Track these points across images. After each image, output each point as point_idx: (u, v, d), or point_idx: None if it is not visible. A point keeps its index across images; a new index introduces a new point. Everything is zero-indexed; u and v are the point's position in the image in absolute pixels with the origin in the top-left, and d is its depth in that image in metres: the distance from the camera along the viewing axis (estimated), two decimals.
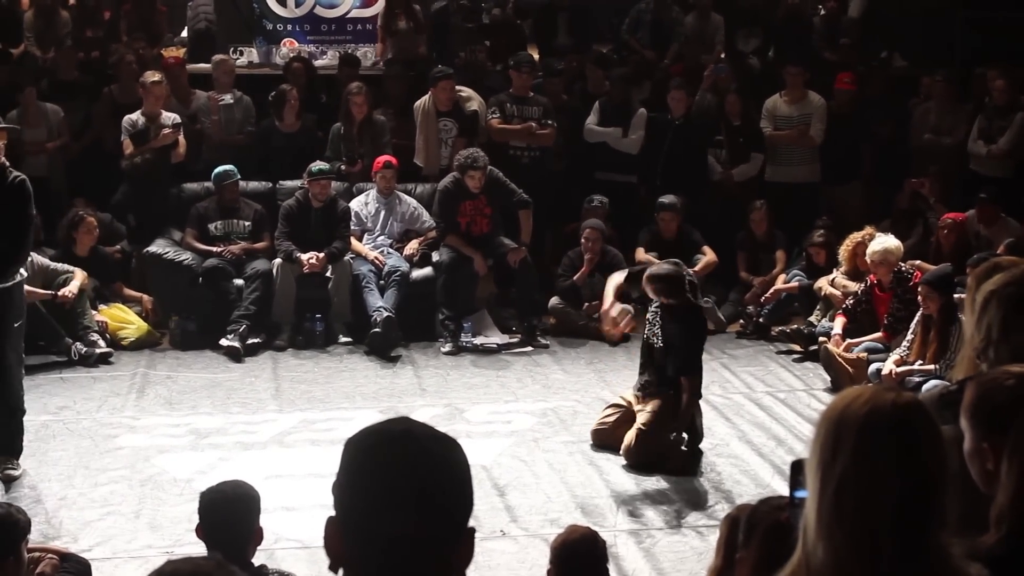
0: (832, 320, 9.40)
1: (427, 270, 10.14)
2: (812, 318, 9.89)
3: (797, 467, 2.39)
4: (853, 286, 9.48)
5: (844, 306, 9.33)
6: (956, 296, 8.12)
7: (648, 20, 13.05)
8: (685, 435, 7.49)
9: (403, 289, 9.88)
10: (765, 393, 8.86)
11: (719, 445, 7.76)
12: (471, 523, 1.94)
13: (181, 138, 10.43)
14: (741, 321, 10.46)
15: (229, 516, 4.38)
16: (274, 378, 9.10)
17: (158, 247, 10.02)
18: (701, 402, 7.62)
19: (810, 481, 2.19)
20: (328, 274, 9.95)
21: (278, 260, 9.94)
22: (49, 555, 4.71)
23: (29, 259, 9.32)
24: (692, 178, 11.11)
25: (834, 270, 9.91)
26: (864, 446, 2.13)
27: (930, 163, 11.44)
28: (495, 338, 9.97)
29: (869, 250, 9.13)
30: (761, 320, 10.26)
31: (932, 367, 8.00)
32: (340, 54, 12.17)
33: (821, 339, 9.27)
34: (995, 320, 3.13)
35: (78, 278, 9.43)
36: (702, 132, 11.38)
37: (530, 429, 8.05)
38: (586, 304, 10.26)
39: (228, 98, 11.14)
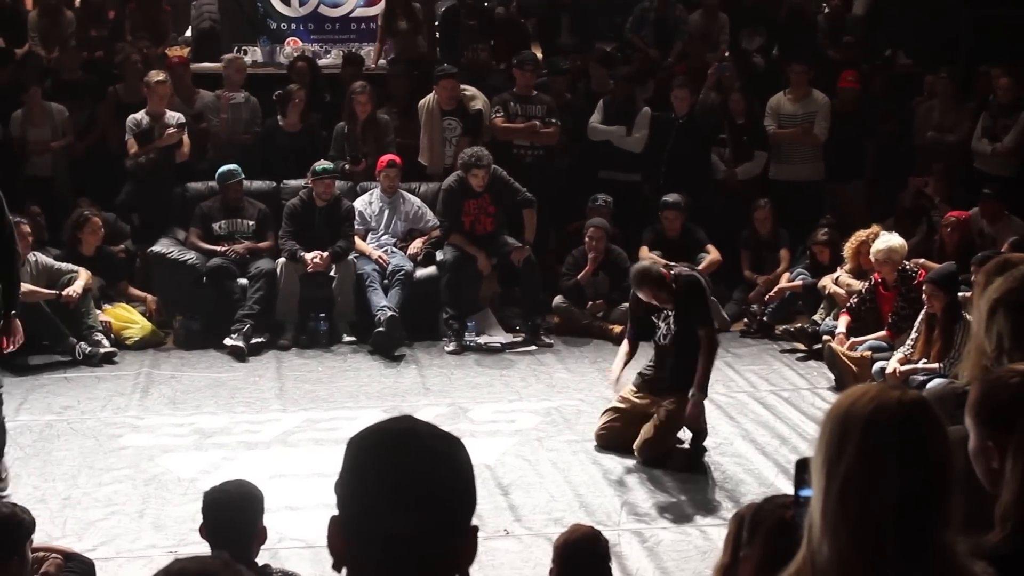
0: (836, 319, 9.39)
1: (431, 269, 10.14)
2: (816, 317, 9.89)
3: (802, 465, 2.38)
4: (857, 284, 9.47)
5: (848, 304, 9.32)
6: (960, 295, 8.12)
7: (652, 18, 13.06)
8: (688, 433, 7.49)
9: (407, 288, 9.88)
10: (769, 392, 8.86)
11: (723, 444, 7.76)
12: (474, 522, 1.94)
13: (185, 138, 10.44)
14: (745, 320, 10.45)
15: (233, 515, 4.38)
16: (278, 377, 9.10)
17: (162, 246, 10.02)
18: (705, 400, 7.61)
19: (815, 479, 2.19)
20: (332, 273, 9.96)
21: (282, 259, 9.95)
22: (53, 555, 4.71)
23: (34, 258, 9.39)
24: (696, 176, 11.11)
25: (838, 268, 9.91)
26: (869, 444, 2.13)
27: (933, 161, 11.44)
28: (499, 337, 9.96)
29: (873, 248, 9.12)
30: (765, 319, 10.25)
31: (936, 365, 7.99)
32: (344, 53, 12.16)
33: (825, 338, 9.26)
34: (1005, 329, 3.11)
35: (82, 278, 9.44)
36: (706, 130, 11.37)
37: (534, 428, 8.05)
38: (590, 303, 10.25)
39: (239, 96, 11.15)
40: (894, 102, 12.02)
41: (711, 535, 6.32)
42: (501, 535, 6.32)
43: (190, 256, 9.96)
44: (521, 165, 10.65)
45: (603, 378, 9.09)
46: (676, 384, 7.44)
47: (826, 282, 9.88)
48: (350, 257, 10.01)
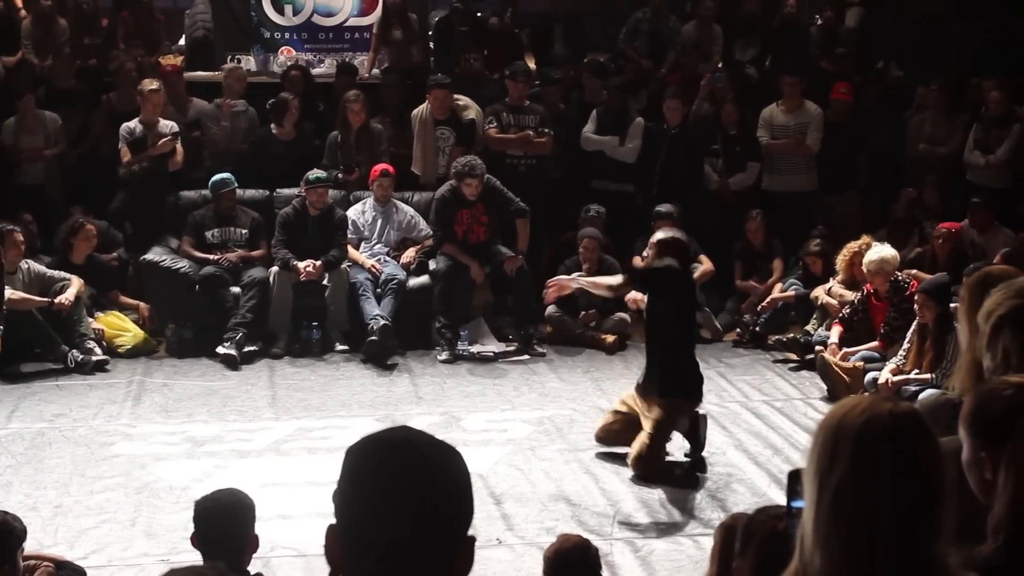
0: (828, 329, 9.41)
1: (424, 278, 10.15)
2: (809, 327, 9.90)
3: (794, 477, 2.39)
4: (850, 295, 9.49)
5: (841, 315, 9.34)
6: (952, 305, 8.13)
7: (645, 29, 13.08)
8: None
9: (400, 297, 9.88)
10: (761, 402, 8.87)
11: (715, 454, 7.76)
12: (469, 532, 1.94)
13: (178, 146, 10.44)
14: (738, 330, 10.47)
15: (224, 524, 4.38)
16: (270, 386, 9.09)
17: (155, 255, 10.02)
18: (702, 412, 7.62)
19: (807, 490, 2.20)
20: (325, 282, 9.96)
21: (275, 268, 9.95)
22: (45, 563, 4.71)
23: (26, 266, 9.39)
24: (688, 187, 11.13)
25: (831, 279, 9.93)
26: (861, 455, 2.13)
27: (926, 173, 11.47)
28: (492, 346, 9.97)
29: (866, 259, 9.14)
30: (758, 329, 10.27)
31: (928, 376, 8.01)
32: (338, 62, 12.17)
33: (818, 348, 9.27)
34: (1012, 346, 3.12)
35: (74, 285, 9.43)
36: (698, 141, 11.39)
37: (526, 437, 8.05)
38: (583, 313, 10.26)
39: (240, 105, 11.15)
40: (886, 114, 12.05)
41: (703, 544, 6.31)
42: (494, 544, 6.32)
43: (183, 264, 9.95)
44: (514, 175, 10.66)
45: (596, 387, 9.11)
46: (660, 386, 7.39)
47: (818, 293, 9.90)
48: (343, 266, 10.02)
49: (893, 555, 2.10)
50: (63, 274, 9.55)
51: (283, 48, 12.55)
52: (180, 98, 11.20)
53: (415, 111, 10.99)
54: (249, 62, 12.46)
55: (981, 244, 10.28)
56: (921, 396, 7.59)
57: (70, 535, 6.40)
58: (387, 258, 10.29)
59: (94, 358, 9.26)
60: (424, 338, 9.97)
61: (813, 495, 2.17)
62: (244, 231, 10.24)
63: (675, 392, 7.37)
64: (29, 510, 6.45)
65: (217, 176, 10.19)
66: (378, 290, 9.93)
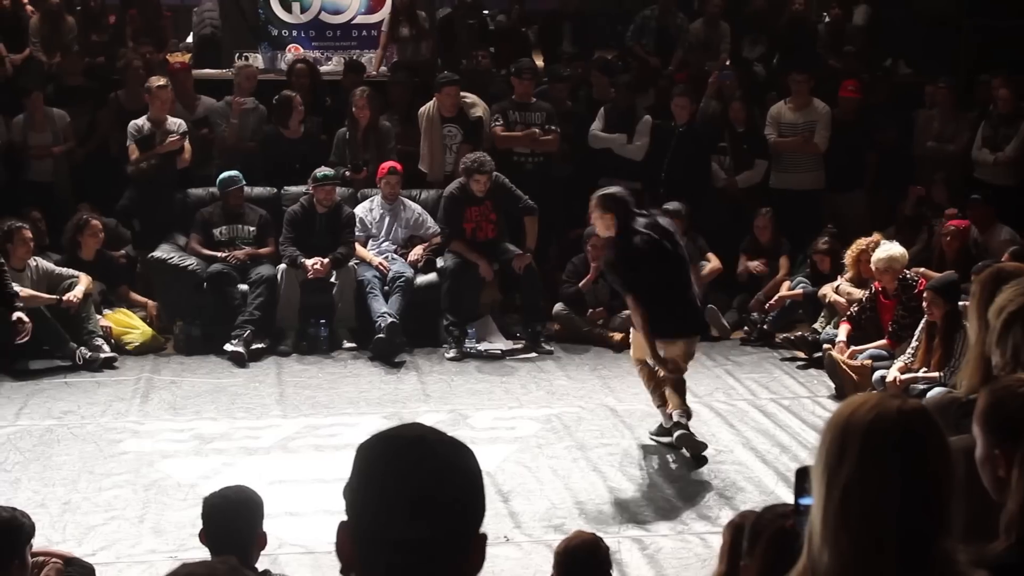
0: (836, 327, 9.40)
1: (431, 276, 10.15)
2: (816, 325, 9.90)
3: (802, 474, 2.39)
4: (858, 293, 9.48)
5: (848, 313, 9.33)
6: (961, 304, 8.12)
7: (653, 27, 13.08)
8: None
9: (407, 295, 9.89)
10: (769, 400, 8.86)
11: (723, 451, 7.76)
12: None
13: (187, 144, 10.45)
14: (745, 328, 10.46)
15: (232, 521, 4.38)
16: (278, 383, 9.10)
17: (163, 252, 10.03)
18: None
19: (816, 487, 2.19)
20: (332, 280, 9.96)
21: (283, 266, 9.95)
22: (53, 559, 4.71)
23: (35, 263, 9.41)
24: (696, 185, 11.12)
25: (839, 277, 9.92)
26: (869, 452, 2.13)
27: (934, 170, 11.45)
28: (499, 344, 9.97)
29: (874, 257, 9.13)
30: (765, 327, 10.26)
31: (936, 374, 8.00)
32: (345, 60, 12.17)
33: (825, 346, 9.26)
34: (1022, 343, 3.11)
35: (83, 283, 9.45)
36: (706, 139, 11.38)
37: (534, 435, 8.05)
38: (590, 310, 10.26)
39: (250, 102, 11.16)
40: (894, 112, 12.04)
41: (711, 543, 6.31)
42: (501, 542, 6.32)
43: (191, 262, 9.96)
44: (521, 173, 10.65)
45: (603, 385, 9.11)
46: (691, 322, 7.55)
47: (826, 291, 9.89)
48: (351, 264, 10.02)
49: (901, 552, 2.10)
50: (71, 271, 9.57)
51: (291, 46, 12.54)
52: (188, 96, 11.21)
53: (422, 109, 10.99)
54: (257, 60, 12.45)
55: (981, 241, 10.28)
56: (929, 394, 7.58)
57: (79, 532, 6.42)
58: (395, 256, 10.29)
59: (102, 355, 9.28)
60: (432, 336, 9.97)
61: (821, 492, 2.17)
62: (252, 229, 10.25)
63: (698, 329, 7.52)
64: (38, 507, 6.47)
65: (225, 174, 10.19)
66: (386, 288, 9.94)
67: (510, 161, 10.73)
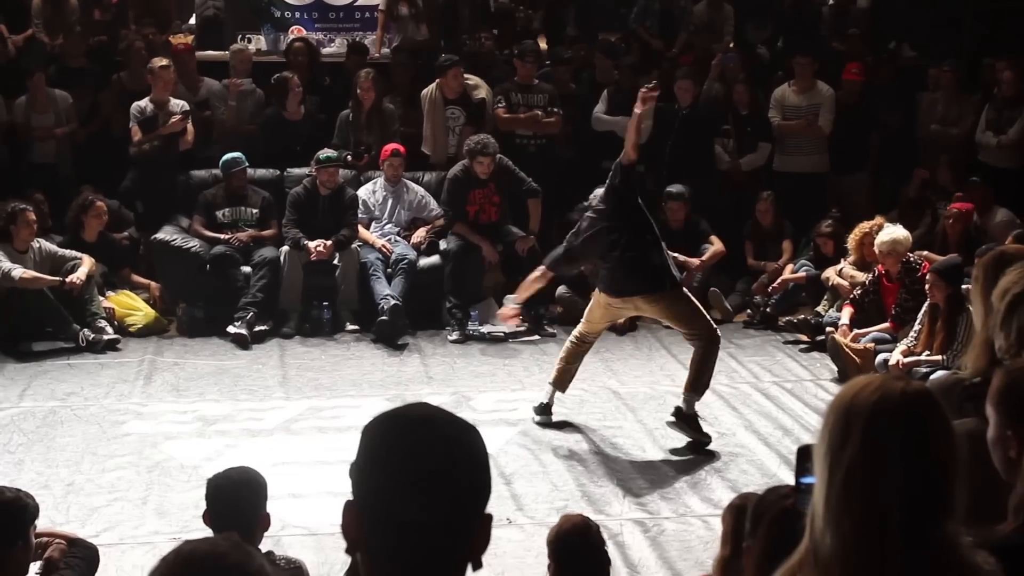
0: (839, 310, 9.40)
1: (434, 258, 10.15)
2: (819, 308, 9.89)
3: (802, 453, 2.39)
4: (861, 276, 9.48)
5: (852, 296, 9.32)
6: (964, 287, 8.12)
7: (656, 9, 13.05)
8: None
9: (410, 277, 9.89)
10: (772, 383, 8.86)
11: (726, 435, 7.76)
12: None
13: (189, 125, 10.44)
14: (748, 311, 10.46)
15: (235, 502, 4.39)
16: (281, 365, 9.11)
17: (166, 234, 10.03)
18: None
19: (818, 469, 2.19)
20: (335, 262, 9.96)
21: (285, 248, 9.95)
22: (57, 540, 4.72)
23: (38, 245, 9.41)
24: (699, 168, 11.11)
25: (842, 260, 9.91)
26: (873, 434, 2.13)
27: (938, 153, 11.44)
28: (502, 326, 9.95)
29: (877, 240, 9.12)
30: (768, 310, 10.26)
31: (939, 357, 7.99)
32: (348, 42, 12.15)
33: (828, 329, 9.27)
34: None
35: (86, 264, 9.45)
36: (709, 122, 11.36)
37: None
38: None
39: (246, 84, 11.14)
40: (898, 94, 12.00)
41: (713, 525, 6.31)
42: (504, 524, 6.32)
43: (194, 244, 9.96)
44: (524, 155, 10.64)
45: (606, 368, 9.11)
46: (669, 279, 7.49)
47: (829, 274, 9.88)
48: (353, 246, 10.02)
49: (904, 535, 2.10)
50: (74, 253, 9.57)
51: (293, 27, 12.53)
52: (191, 77, 11.20)
53: (425, 91, 10.97)
54: (259, 41, 12.45)
55: (980, 224, 10.27)
56: (932, 377, 7.57)
57: (82, 513, 6.43)
58: (398, 238, 10.29)
59: (105, 337, 9.28)
60: (434, 318, 9.98)
61: (824, 474, 2.17)
62: (255, 211, 10.25)
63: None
64: (41, 488, 6.48)
65: (228, 155, 10.19)
66: (388, 270, 9.93)
67: (513, 144, 10.71)
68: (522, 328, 9.93)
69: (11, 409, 8.05)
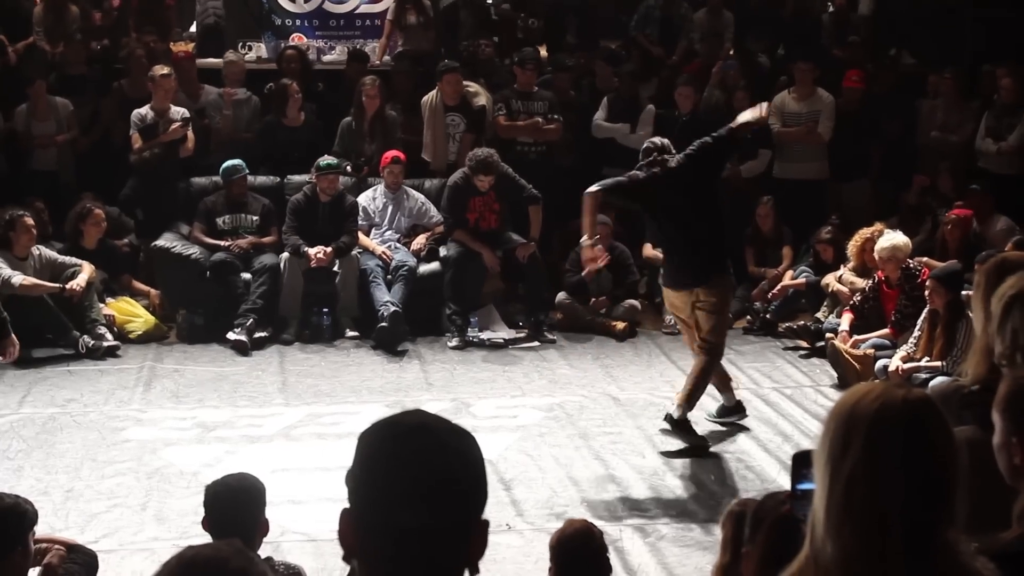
0: (839, 316, 9.39)
1: (434, 265, 10.15)
2: (819, 314, 9.90)
3: (799, 459, 2.39)
4: (861, 283, 9.48)
5: (851, 302, 9.32)
6: (964, 293, 8.12)
7: (657, 16, 13.04)
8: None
9: (410, 284, 9.89)
10: (772, 389, 8.86)
11: (725, 440, 7.76)
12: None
13: (190, 133, 10.45)
14: (748, 317, 10.45)
15: (234, 508, 4.39)
16: (281, 372, 9.11)
17: (166, 241, 10.03)
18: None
19: (819, 477, 2.18)
20: (335, 268, 9.97)
21: (285, 254, 9.95)
22: (56, 546, 4.72)
23: (38, 252, 9.41)
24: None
25: (842, 266, 9.91)
26: (874, 442, 2.12)
27: (938, 160, 11.44)
28: (502, 333, 9.97)
29: (877, 246, 9.12)
30: (768, 316, 10.26)
31: (939, 364, 7.99)
32: (349, 49, 12.16)
33: (828, 335, 9.26)
34: (1020, 326, 3.10)
35: (86, 271, 9.45)
36: (710, 128, 11.30)
37: (536, 424, 8.05)
38: (593, 300, 10.25)
39: (241, 93, 11.17)
40: (898, 102, 12.01)
41: (712, 530, 6.31)
42: (503, 530, 6.32)
43: (194, 251, 9.97)
44: (524, 162, 10.64)
45: (606, 374, 9.11)
46: (707, 269, 7.45)
47: (829, 280, 9.88)
48: (353, 252, 10.02)
49: (905, 542, 2.09)
50: (74, 260, 9.57)
51: (294, 35, 12.52)
52: (192, 84, 11.21)
53: (425, 98, 10.98)
54: (260, 49, 12.44)
55: (979, 231, 10.27)
56: (932, 383, 7.58)
57: (81, 519, 6.43)
58: (398, 245, 10.29)
59: (105, 344, 9.28)
60: (434, 324, 9.98)
61: (825, 482, 2.16)
62: (255, 218, 10.25)
63: (721, 269, 7.46)
64: (41, 494, 6.47)
65: (228, 162, 10.19)
66: (388, 277, 9.94)
67: (513, 151, 10.72)
68: (522, 334, 9.94)
69: (11, 415, 8.05)
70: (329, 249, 9.90)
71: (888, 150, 11.69)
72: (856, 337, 8.99)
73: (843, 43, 12.99)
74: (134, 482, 6.98)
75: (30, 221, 9.39)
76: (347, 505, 1.91)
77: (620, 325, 10.04)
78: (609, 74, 11.72)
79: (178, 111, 10.44)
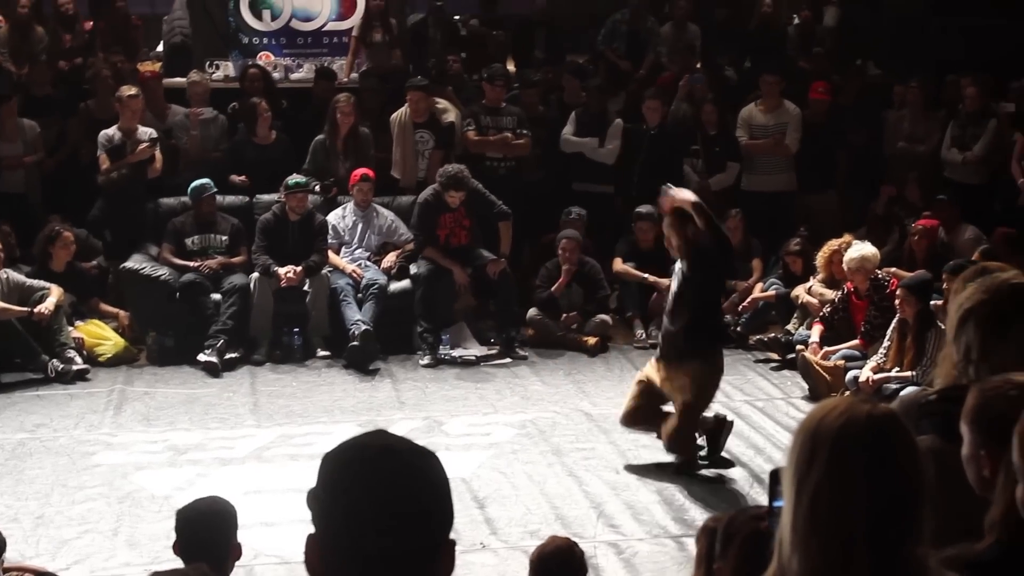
0: (809, 328, 9.43)
1: (405, 283, 10.14)
2: (789, 326, 9.93)
3: (776, 477, 2.39)
4: (830, 294, 9.52)
5: (821, 314, 9.36)
6: (932, 303, 8.17)
7: (624, 31, 13.09)
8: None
9: (381, 302, 9.87)
10: (743, 402, 8.88)
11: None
12: (451, 536, 1.94)
13: (158, 153, 10.39)
14: None
15: (206, 532, 4.37)
16: (252, 393, 9.07)
17: (135, 262, 9.97)
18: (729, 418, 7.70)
19: (786, 493, 2.20)
20: (306, 288, 9.93)
21: (255, 274, 9.91)
22: (27, 574, 4.69)
23: (5, 275, 9.35)
24: None
25: (811, 278, 9.95)
26: (838, 457, 2.14)
27: (905, 170, 11.52)
28: (474, 350, 9.96)
29: (846, 258, 9.17)
30: (739, 329, 10.28)
31: (909, 374, 8.04)
32: (316, 67, 12.14)
33: (799, 347, 9.29)
34: (973, 341, 3.11)
35: (54, 295, 9.38)
36: (678, 142, 11.41)
37: (509, 441, 8.05)
38: (564, 315, 10.25)
39: (208, 112, 11.14)
40: (864, 112, 12.09)
41: (687, 546, 6.32)
42: (477, 548, 6.31)
43: (163, 272, 9.91)
44: (493, 178, 10.65)
45: (578, 390, 9.11)
46: (692, 343, 7.40)
47: (799, 292, 9.92)
48: (324, 271, 10.00)
49: (871, 557, 2.10)
50: (43, 283, 9.50)
51: (262, 53, 12.51)
52: (159, 104, 11.17)
53: (394, 115, 10.98)
54: (227, 68, 12.42)
55: (947, 241, 10.34)
56: (902, 393, 7.61)
57: (52, 546, 6.38)
58: (368, 263, 10.27)
59: (74, 367, 9.22)
60: (406, 342, 9.96)
61: (791, 497, 2.17)
62: (224, 237, 10.21)
63: (707, 345, 7.42)
64: (10, 521, 6.43)
65: (197, 182, 10.14)
66: (359, 295, 9.91)
67: (482, 166, 10.73)
68: (494, 351, 9.94)
69: None
70: (299, 268, 9.87)
71: (855, 161, 11.76)
72: (826, 349, 9.03)
73: (809, 55, 13.07)
74: (105, 507, 6.93)
75: None
76: (313, 530, 1.91)
77: (591, 340, 10.04)
78: (577, 88, 11.75)
79: (145, 131, 10.39)
